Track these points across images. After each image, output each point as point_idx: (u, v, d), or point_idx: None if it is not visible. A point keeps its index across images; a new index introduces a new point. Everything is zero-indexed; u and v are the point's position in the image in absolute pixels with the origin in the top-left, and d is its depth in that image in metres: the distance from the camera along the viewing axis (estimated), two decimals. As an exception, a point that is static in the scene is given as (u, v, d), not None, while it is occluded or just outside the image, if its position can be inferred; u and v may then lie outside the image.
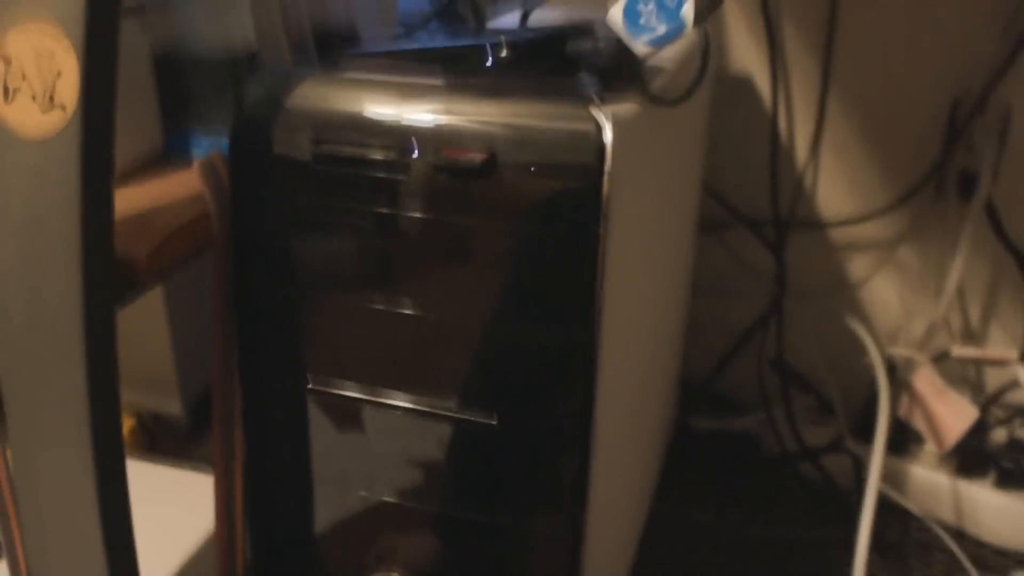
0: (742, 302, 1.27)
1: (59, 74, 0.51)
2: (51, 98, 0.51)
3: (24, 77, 0.52)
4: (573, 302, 0.57)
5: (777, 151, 1.20)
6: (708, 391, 1.30)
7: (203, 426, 1.29)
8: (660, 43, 0.62)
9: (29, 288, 0.55)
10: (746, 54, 1.18)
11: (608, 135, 0.54)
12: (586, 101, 0.56)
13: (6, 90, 0.52)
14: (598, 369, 0.59)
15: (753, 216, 1.23)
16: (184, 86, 0.77)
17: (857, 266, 1.23)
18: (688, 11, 0.60)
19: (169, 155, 0.79)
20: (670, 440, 1.23)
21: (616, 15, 0.61)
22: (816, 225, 1.22)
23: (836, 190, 1.20)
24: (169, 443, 1.25)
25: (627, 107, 0.59)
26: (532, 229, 0.56)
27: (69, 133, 0.52)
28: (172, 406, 1.26)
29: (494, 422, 0.61)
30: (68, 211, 0.53)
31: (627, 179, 0.58)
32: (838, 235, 1.22)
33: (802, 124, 1.19)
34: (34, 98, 0.52)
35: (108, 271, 0.56)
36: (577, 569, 0.66)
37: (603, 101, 0.57)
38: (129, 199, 0.67)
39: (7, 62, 0.52)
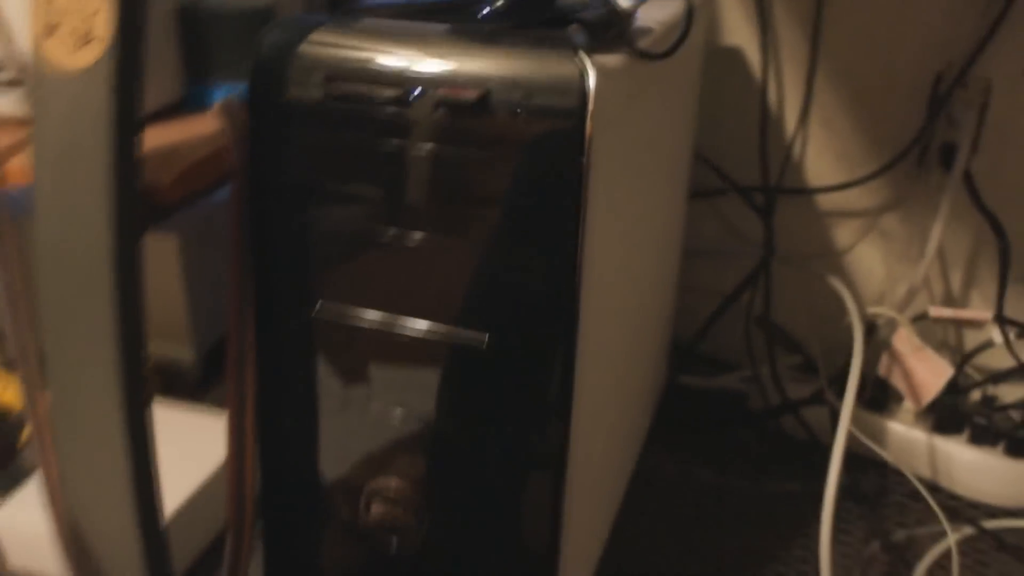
0: (732, 265, 1.32)
1: (96, 12, 0.56)
2: (88, 32, 0.57)
3: (64, 13, 0.57)
4: (558, 232, 0.63)
5: (767, 121, 1.25)
6: (697, 350, 1.35)
7: (213, 375, 1.33)
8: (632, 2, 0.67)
9: (64, 209, 0.61)
10: (737, 28, 1.23)
11: (591, 81, 0.60)
12: (573, 50, 0.61)
13: (47, 25, 0.58)
14: (581, 296, 0.65)
15: (743, 183, 1.28)
16: (203, 38, 0.83)
17: (842, 232, 1.28)
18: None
19: (189, 104, 0.85)
20: (660, 397, 1.28)
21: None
22: (803, 192, 1.27)
23: (823, 159, 1.25)
24: (180, 389, 1.30)
25: (612, 58, 0.64)
26: (522, 163, 0.62)
27: (104, 64, 0.57)
28: (184, 353, 1.30)
29: (484, 343, 0.67)
30: (101, 137, 0.59)
31: (610, 123, 0.63)
32: (824, 202, 1.27)
33: (791, 95, 1.24)
34: (73, 33, 0.57)
35: (136, 195, 0.61)
36: (560, 489, 0.72)
37: (589, 52, 0.62)
38: (153, 137, 0.73)
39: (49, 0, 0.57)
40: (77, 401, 0.66)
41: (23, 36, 0.76)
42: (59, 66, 0.59)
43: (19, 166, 0.73)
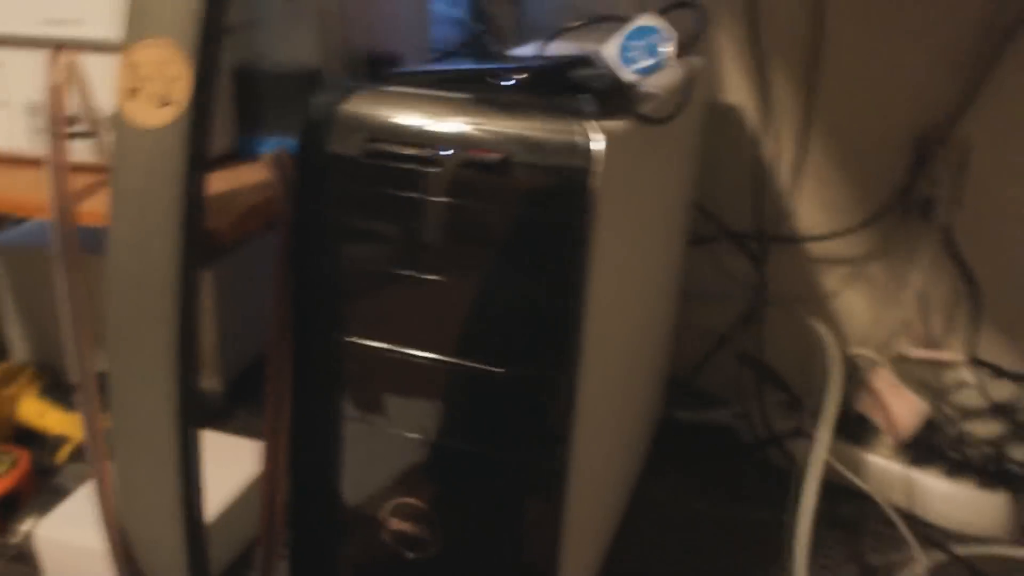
0: (725, 308, 1.41)
1: (175, 79, 0.66)
2: (166, 97, 0.66)
3: (147, 79, 0.67)
4: (566, 275, 0.71)
5: (762, 174, 1.34)
6: (691, 386, 1.43)
7: (238, 403, 1.41)
8: (646, 73, 0.77)
9: (138, 248, 0.70)
10: (736, 87, 1.33)
11: (597, 144, 0.69)
12: (582, 117, 0.71)
13: (131, 89, 0.67)
14: (584, 334, 0.74)
15: (738, 231, 1.37)
16: (255, 95, 0.92)
17: (829, 277, 1.37)
18: (669, 50, 0.75)
19: (240, 154, 0.94)
20: (656, 429, 1.37)
21: (610, 49, 0.76)
22: (794, 240, 1.36)
23: (813, 210, 1.34)
24: (204, 417, 1.37)
25: (617, 123, 0.74)
26: (536, 217, 0.71)
27: (180, 125, 0.66)
28: (213, 383, 1.38)
29: (501, 371, 0.76)
30: (173, 187, 0.68)
31: (614, 180, 0.72)
32: (814, 250, 1.36)
33: (785, 150, 1.33)
34: (153, 96, 0.67)
35: (200, 237, 0.70)
36: (561, 509, 0.80)
37: (597, 118, 0.71)
38: (211, 184, 0.82)
39: (134, 67, 0.67)
40: (136, 420, 0.75)
41: (98, 94, 0.85)
42: (138, 124, 0.68)
43: (89, 209, 0.82)
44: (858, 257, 1.35)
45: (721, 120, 1.34)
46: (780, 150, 1.33)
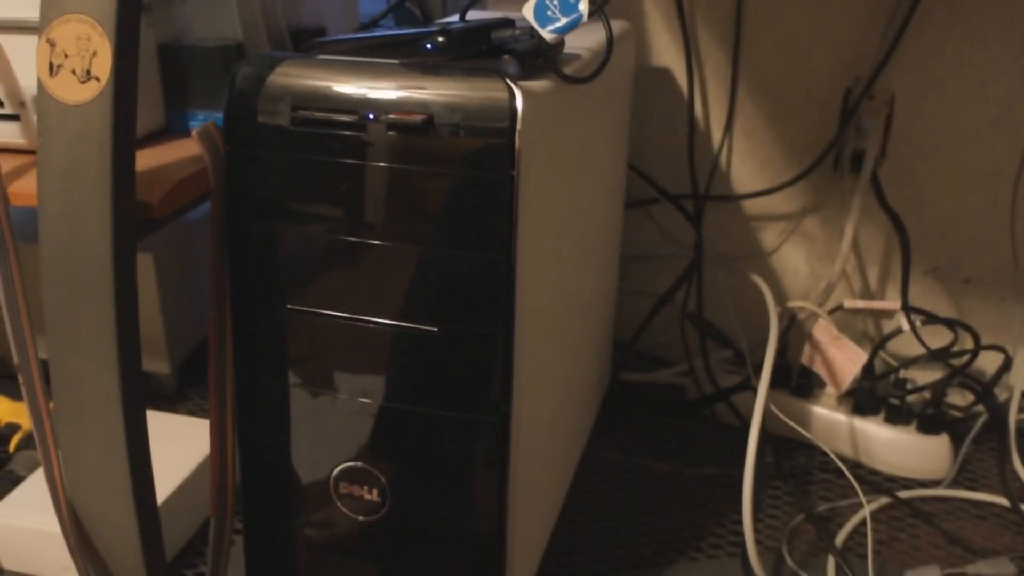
0: (666, 268, 1.44)
1: (95, 54, 0.66)
2: (87, 72, 0.67)
3: (66, 56, 0.67)
4: (494, 236, 0.73)
5: (694, 134, 1.36)
6: (636, 347, 1.45)
7: (189, 385, 1.41)
8: (563, 31, 0.78)
9: (70, 225, 0.70)
10: (665, 49, 1.34)
11: (519, 103, 0.70)
12: (503, 77, 0.72)
13: (51, 66, 0.68)
14: (516, 292, 0.75)
15: (674, 191, 1.39)
16: (181, 71, 0.92)
17: (766, 234, 1.39)
18: (584, 5, 0.76)
19: (170, 130, 0.94)
20: (603, 392, 1.39)
21: (528, 9, 0.78)
22: (729, 198, 1.38)
23: (747, 167, 1.37)
24: (156, 401, 1.38)
25: (539, 83, 0.75)
26: (462, 176, 0.72)
27: (103, 99, 0.67)
28: (161, 366, 1.38)
29: (436, 330, 0.77)
30: (101, 162, 0.68)
31: (538, 139, 0.74)
32: (749, 207, 1.38)
33: (716, 110, 1.35)
34: (74, 72, 0.67)
35: (132, 211, 0.71)
36: (505, 471, 0.81)
37: (518, 78, 0.73)
38: (143, 159, 0.82)
39: (52, 44, 0.67)
40: (80, 403, 0.75)
41: (19, 74, 0.86)
42: (62, 100, 0.68)
43: (19, 190, 0.82)
44: (793, 212, 1.38)
45: (652, 83, 1.36)
46: (711, 110, 1.35)
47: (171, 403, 1.37)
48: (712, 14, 1.30)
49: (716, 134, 1.35)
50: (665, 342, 1.46)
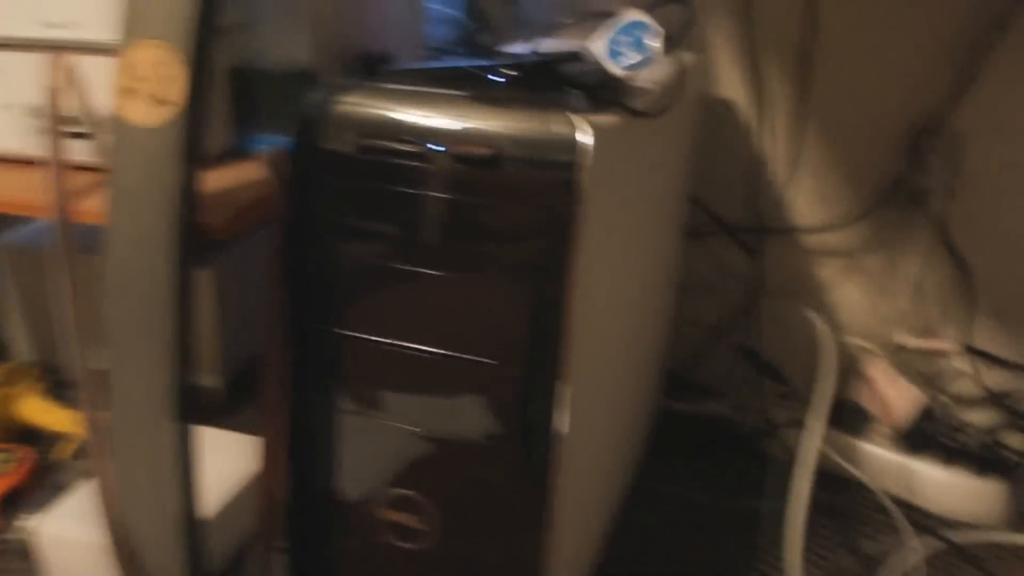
0: (723, 301, 1.42)
1: (170, 79, 0.67)
2: (162, 97, 0.67)
3: (142, 80, 0.68)
4: (555, 269, 0.73)
5: (757, 167, 1.35)
6: (689, 378, 1.45)
7: (240, 400, 1.41)
8: (634, 68, 0.78)
9: (134, 243, 0.71)
10: (731, 82, 1.34)
11: (586, 138, 0.70)
12: (570, 112, 0.72)
13: (126, 89, 0.68)
14: (573, 326, 0.75)
15: (735, 224, 1.38)
16: (250, 94, 0.93)
17: (825, 270, 1.38)
18: (655, 45, 0.76)
19: (236, 152, 0.95)
20: (654, 421, 1.38)
21: (598, 45, 0.78)
22: (790, 232, 1.37)
23: (809, 202, 1.35)
24: (207, 414, 1.38)
25: (606, 118, 0.75)
26: (526, 211, 0.72)
27: (175, 124, 0.68)
28: (214, 380, 1.38)
29: (491, 367, 0.77)
30: (168, 185, 0.69)
31: (603, 175, 0.74)
32: (809, 242, 1.37)
33: (780, 144, 1.34)
34: (149, 96, 0.68)
35: (196, 232, 0.71)
36: (549, 502, 0.81)
37: (586, 112, 0.73)
38: (208, 181, 0.83)
39: (131, 68, 0.68)
40: (135, 416, 0.76)
41: (97, 95, 0.87)
42: (135, 123, 0.69)
43: (88, 208, 0.83)
44: (854, 248, 1.36)
45: (716, 115, 1.35)
46: (775, 143, 1.34)
47: (221, 417, 1.38)
48: (780, 46, 1.29)
49: (779, 167, 1.34)
50: (719, 374, 1.44)
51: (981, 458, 1.22)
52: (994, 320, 1.32)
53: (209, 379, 1.37)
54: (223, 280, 1.30)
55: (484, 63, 0.80)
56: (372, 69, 0.85)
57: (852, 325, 1.40)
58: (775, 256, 1.39)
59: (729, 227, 1.38)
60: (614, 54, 0.78)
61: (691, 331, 1.44)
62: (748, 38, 1.30)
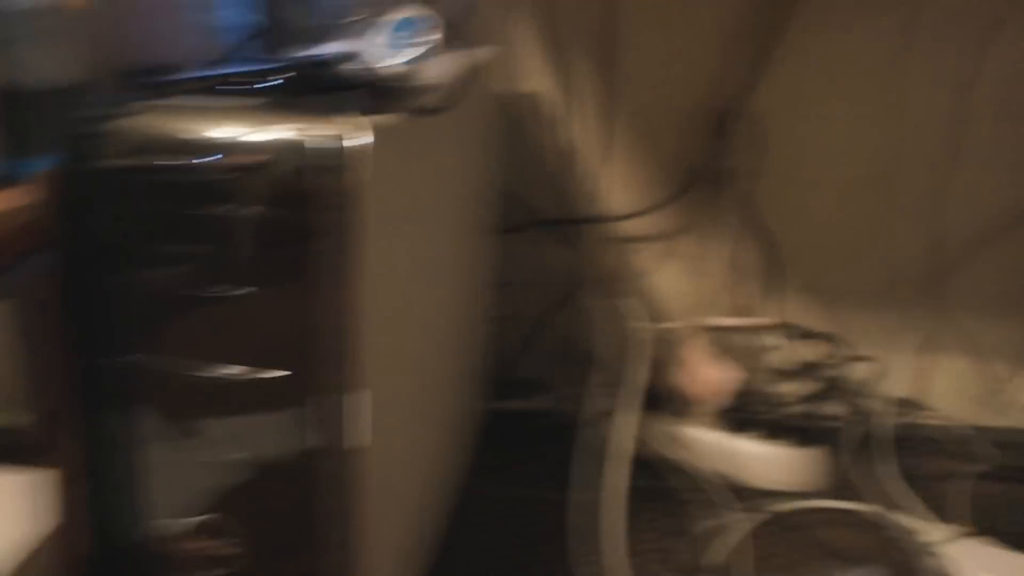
0: (544, 294, 1.43)
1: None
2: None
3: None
4: (337, 274, 0.71)
5: (569, 158, 1.35)
6: (513, 375, 1.44)
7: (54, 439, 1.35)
8: (413, 63, 0.77)
9: None
10: (538, 74, 1.34)
11: (353, 141, 0.69)
12: (345, 114, 0.70)
13: None
14: (361, 332, 0.73)
15: (551, 215, 1.39)
16: (16, 115, 0.89)
17: (643, 256, 1.40)
18: (435, 39, 0.76)
19: (5, 177, 0.91)
20: (480, 422, 1.37)
21: (375, 43, 0.76)
22: (604, 221, 1.38)
23: (622, 190, 1.37)
24: (18, 455, 1.32)
25: (383, 118, 0.73)
26: (304, 215, 0.70)
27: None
28: (22, 418, 1.32)
29: (284, 376, 0.75)
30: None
31: (381, 175, 0.72)
32: (625, 229, 1.38)
33: (591, 134, 1.35)
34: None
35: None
36: (354, 512, 0.80)
37: (363, 114, 0.71)
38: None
39: None
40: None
41: None
42: None
43: None
44: (667, 233, 1.38)
45: (523, 108, 1.35)
46: (585, 133, 1.35)
47: (32, 456, 1.32)
48: (584, 37, 1.30)
49: (591, 157, 1.35)
50: (544, 369, 1.45)
51: (801, 429, 1.25)
52: (804, 293, 1.35)
53: (16, 417, 1.32)
54: (24, 310, 1.24)
55: (257, 68, 0.78)
56: (150, 82, 0.81)
57: (672, 308, 1.42)
58: (592, 246, 1.40)
59: (544, 220, 1.38)
60: (391, 51, 0.77)
61: (514, 327, 1.44)
62: (551, 30, 1.30)
